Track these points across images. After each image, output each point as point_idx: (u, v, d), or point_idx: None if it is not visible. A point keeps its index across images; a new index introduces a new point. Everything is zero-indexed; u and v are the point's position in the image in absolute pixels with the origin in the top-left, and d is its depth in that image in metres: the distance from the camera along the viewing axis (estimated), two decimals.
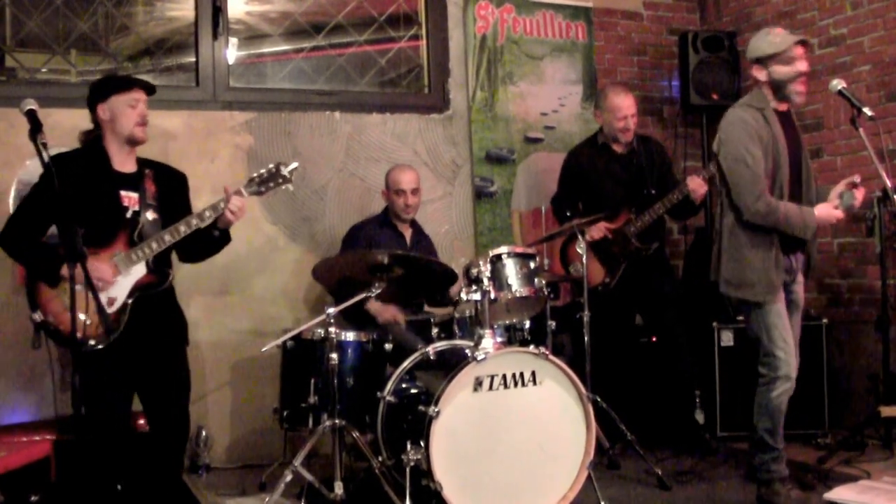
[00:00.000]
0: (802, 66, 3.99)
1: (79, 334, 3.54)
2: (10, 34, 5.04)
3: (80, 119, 4.80)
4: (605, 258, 5.20)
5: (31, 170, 4.67)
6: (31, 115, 3.24)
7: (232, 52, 5.36)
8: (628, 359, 5.41)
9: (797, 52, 3.97)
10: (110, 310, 3.77)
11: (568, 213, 5.06)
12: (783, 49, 3.95)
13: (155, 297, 3.96)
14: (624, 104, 5.22)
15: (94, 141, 4.02)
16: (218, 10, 5.21)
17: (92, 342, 3.68)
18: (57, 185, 3.14)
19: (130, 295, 3.86)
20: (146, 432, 4.10)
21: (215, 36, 5.22)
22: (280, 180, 4.07)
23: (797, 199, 4.06)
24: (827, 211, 3.98)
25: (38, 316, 3.77)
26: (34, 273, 3.85)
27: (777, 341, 3.97)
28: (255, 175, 4.08)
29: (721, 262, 4.12)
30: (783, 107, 4.08)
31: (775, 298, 3.98)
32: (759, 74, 4.04)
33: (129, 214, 3.93)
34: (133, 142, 3.99)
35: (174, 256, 4.19)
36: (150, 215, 3.97)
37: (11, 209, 4.71)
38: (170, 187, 4.12)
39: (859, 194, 3.97)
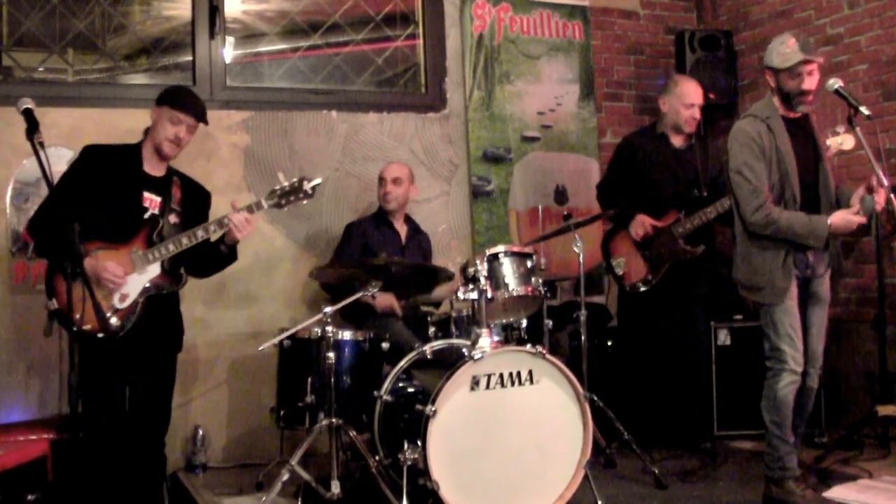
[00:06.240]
0: (808, 83, 4.00)
1: (89, 326, 3.62)
2: (6, 33, 5.03)
3: (77, 118, 4.84)
4: (649, 256, 5.15)
5: (29, 169, 4.68)
6: (28, 114, 3.25)
7: (229, 51, 5.36)
8: (649, 355, 5.38)
9: (806, 67, 3.98)
10: (122, 305, 3.83)
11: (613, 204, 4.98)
12: (790, 65, 3.97)
13: (160, 300, 4.00)
14: (694, 91, 5.16)
15: (142, 140, 4.11)
16: (215, 9, 5.20)
17: (101, 334, 3.71)
18: (51, 177, 3.16)
19: (143, 293, 3.91)
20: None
21: (212, 35, 5.21)
22: (301, 195, 4.11)
23: (813, 205, 4.07)
24: (843, 217, 3.97)
25: (52, 304, 3.79)
26: (55, 262, 3.87)
27: (783, 336, 4.02)
28: (276, 187, 4.10)
29: (738, 266, 4.19)
30: (795, 114, 4.09)
31: (783, 300, 4.03)
32: (770, 81, 4.09)
33: (147, 215, 4.00)
34: (160, 153, 4.05)
35: None
36: (172, 219, 4.05)
37: (8, 209, 4.71)
38: (194, 199, 4.20)
39: (880, 197, 3.95)
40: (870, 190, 3.95)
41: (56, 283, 3.84)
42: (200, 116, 4.10)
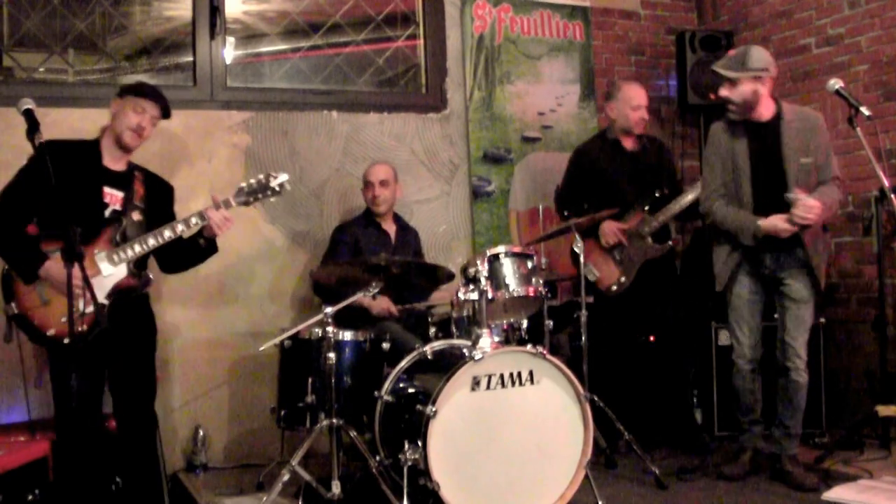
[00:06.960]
0: (724, 91, 4.31)
1: (52, 331, 3.59)
2: (7, 34, 5.03)
3: (77, 118, 4.83)
4: (619, 258, 5.15)
5: None
6: (29, 115, 3.24)
7: (229, 51, 5.36)
8: (626, 358, 5.39)
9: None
10: (88, 310, 3.63)
11: (566, 213, 5.04)
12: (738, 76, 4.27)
13: (130, 301, 3.94)
14: (638, 94, 5.22)
15: (99, 136, 4.03)
16: (215, 10, 5.20)
17: (66, 340, 3.64)
18: (52, 178, 3.15)
19: (109, 296, 3.84)
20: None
21: (213, 35, 5.21)
22: (269, 192, 4.07)
23: (769, 207, 4.23)
24: (772, 222, 4.20)
25: (12, 308, 3.75)
26: (11, 266, 3.80)
27: (730, 326, 4.50)
28: (243, 185, 4.07)
29: None
30: (764, 116, 4.28)
31: (730, 290, 4.43)
32: None
33: (108, 212, 3.92)
34: (121, 144, 3.98)
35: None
36: (135, 216, 3.97)
37: None
38: (157, 194, 4.12)
39: (799, 211, 4.09)
40: (795, 203, 4.13)
41: (15, 287, 3.76)
42: (164, 109, 4.04)
